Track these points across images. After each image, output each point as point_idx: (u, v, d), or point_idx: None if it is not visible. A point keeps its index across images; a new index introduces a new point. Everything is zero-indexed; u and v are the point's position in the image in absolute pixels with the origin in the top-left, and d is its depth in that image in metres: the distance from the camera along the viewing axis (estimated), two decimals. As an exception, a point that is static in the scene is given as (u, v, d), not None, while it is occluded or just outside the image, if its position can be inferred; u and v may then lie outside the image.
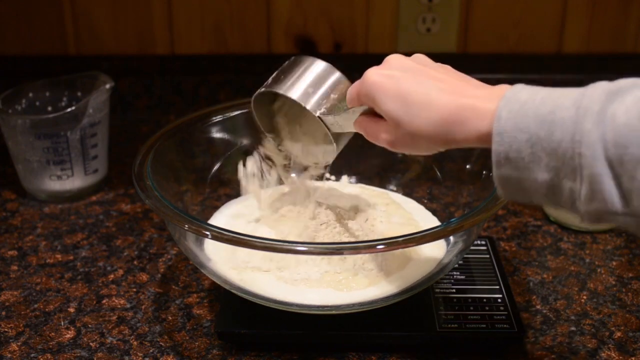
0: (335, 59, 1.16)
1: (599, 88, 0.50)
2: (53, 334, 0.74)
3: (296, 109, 0.70)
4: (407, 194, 0.88)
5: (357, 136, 0.78)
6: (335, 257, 0.71)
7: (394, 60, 0.61)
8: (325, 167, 0.79)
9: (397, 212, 0.82)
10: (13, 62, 1.17)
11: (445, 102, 0.56)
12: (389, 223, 0.78)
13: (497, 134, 0.52)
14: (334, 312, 0.69)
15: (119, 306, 0.78)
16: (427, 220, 0.83)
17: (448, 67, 0.61)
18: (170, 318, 0.76)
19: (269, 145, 0.78)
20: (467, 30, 1.15)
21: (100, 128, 0.96)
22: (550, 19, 1.15)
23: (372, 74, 0.60)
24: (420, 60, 0.61)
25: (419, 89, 0.57)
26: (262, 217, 0.79)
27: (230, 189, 0.87)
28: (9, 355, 0.71)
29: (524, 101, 0.52)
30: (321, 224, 0.75)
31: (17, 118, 0.93)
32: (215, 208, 0.85)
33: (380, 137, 0.62)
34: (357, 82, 0.64)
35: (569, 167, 0.50)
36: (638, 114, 0.47)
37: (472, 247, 0.81)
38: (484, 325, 0.71)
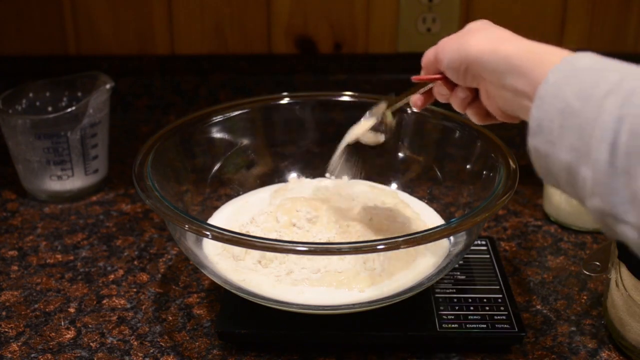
0: (335, 59, 1.17)
1: None
2: (53, 334, 0.74)
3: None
4: (408, 194, 0.88)
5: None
6: (335, 257, 0.71)
7: (468, 25, 0.61)
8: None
9: (404, 211, 0.81)
10: (13, 62, 1.17)
11: (512, 46, 0.54)
12: (395, 223, 0.78)
13: (538, 97, 0.48)
14: (334, 312, 0.69)
15: (119, 306, 0.78)
16: (434, 220, 0.82)
17: None
18: (170, 318, 0.76)
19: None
20: (467, 30, 1.15)
21: (101, 128, 0.96)
22: (550, 19, 1.15)
23: (443, 39, 0.62)
24: (490, 23, 0.61)
25: (484, 39, 0.57)
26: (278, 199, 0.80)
27: (230, 189, 0.87)
28: (9, 355, 0.71)
29: (578, 68, 0.47)
30: (325, 223, 0.75)
31: (18, 118, 0.93)
32: (215, 208, 0.85)
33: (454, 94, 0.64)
34: (432, 48, 0.64)
35: (585, 149, 0.45)
36: None
37: (472, 247, 0.81)
38: (484, 325, 0.71)
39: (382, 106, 0.75)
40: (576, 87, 0.46)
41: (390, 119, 0.74)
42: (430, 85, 0.67)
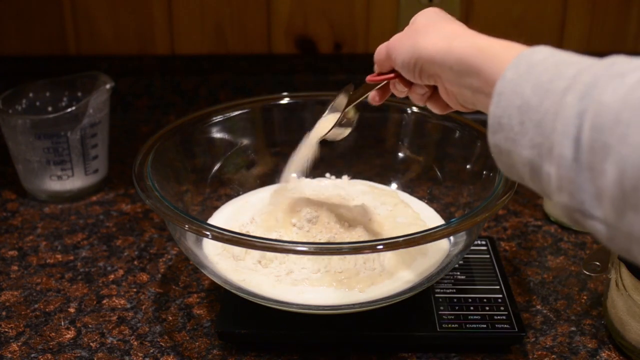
0: (335, 59, 1.17)
1: (612, 60, 0.44)
2: (53, 334, 0.74)
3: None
4: (408, 194, 0.88)
5: (357, 137, 0.78)
6: (336, 257, 0.71)
7: (417, 17, 0.61)
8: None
9: (404, 211, 0.81)
10: (13, 62, 1.17)
11: (464, 43, 0.53)
12: (395, 223, 0.78)
13: (497, 94, 0.48)
14: (334, 312, 0.69)
15: (119, 306, 0.78)
16: (434, 220, 0.82)
17: None
18: (170, 318, 0.76)
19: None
20: (467, 30, 1.15)
21: (101, 128, 0.96)
22: (551, 19, 1.15)
23: (394, 36, 0.61)
24: (439, 14, 0.60)
25: (436, 38, 0.56)
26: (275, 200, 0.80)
27: (230, 189, 0.87)
28: (9, 356, 0.71)
29: (534, 63, 0.47)
30: (325, 223, 0.75)
31: (18, 118, 0.93)
32: (215, 208, 0.85)
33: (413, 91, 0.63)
34: (383, 45, 0.63)
35: (548, 145, 0.44)
36: (626, 95, 0.40)
37: (472, 247, 0.81)
38: (484, 325, 0.71)
39: (342, 99, 0.74)
40: (533, 82, 0.46)
41: (352, 113, 0.73)
42: (386, 81, 0.67)
